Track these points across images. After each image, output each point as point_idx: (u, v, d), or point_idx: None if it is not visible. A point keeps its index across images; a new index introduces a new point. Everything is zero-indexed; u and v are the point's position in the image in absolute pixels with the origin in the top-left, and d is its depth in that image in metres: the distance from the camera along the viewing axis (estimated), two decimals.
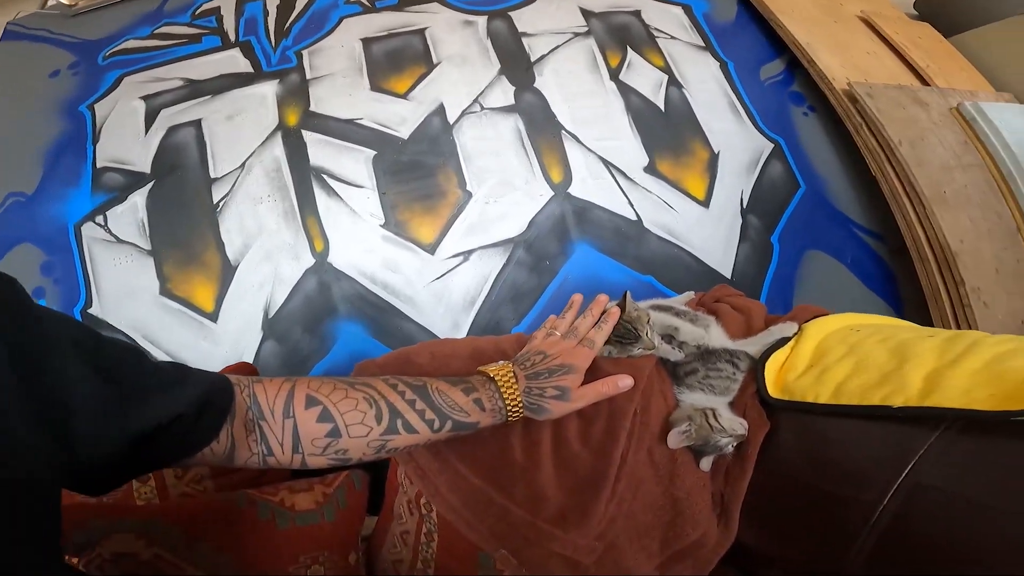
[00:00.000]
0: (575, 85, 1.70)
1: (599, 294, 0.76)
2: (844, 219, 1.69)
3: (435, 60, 1.72)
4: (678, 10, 1.88)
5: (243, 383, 0.55)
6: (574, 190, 1.58)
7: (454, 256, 1.52)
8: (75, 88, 1.74)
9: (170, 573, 0.63)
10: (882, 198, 1.63)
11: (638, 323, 0.72)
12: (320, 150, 1.62)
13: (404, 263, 1.50)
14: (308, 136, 1.62)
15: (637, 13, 1.84)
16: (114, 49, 1.82)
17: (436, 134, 1.63)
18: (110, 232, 1.52)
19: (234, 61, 1.74)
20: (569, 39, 1.77)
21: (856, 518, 0.54)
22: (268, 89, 1.69)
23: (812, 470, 0.61)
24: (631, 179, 1.61)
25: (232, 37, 1.81)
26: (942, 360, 0.59)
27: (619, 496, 0.66)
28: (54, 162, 1.61)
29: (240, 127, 1.64)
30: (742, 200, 1.62)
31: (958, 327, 1.49)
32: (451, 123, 1.64)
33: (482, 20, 1.78)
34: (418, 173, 1.59)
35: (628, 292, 0.73)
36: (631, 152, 1.64)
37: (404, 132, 1.63)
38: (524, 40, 1.76)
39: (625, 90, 1.71)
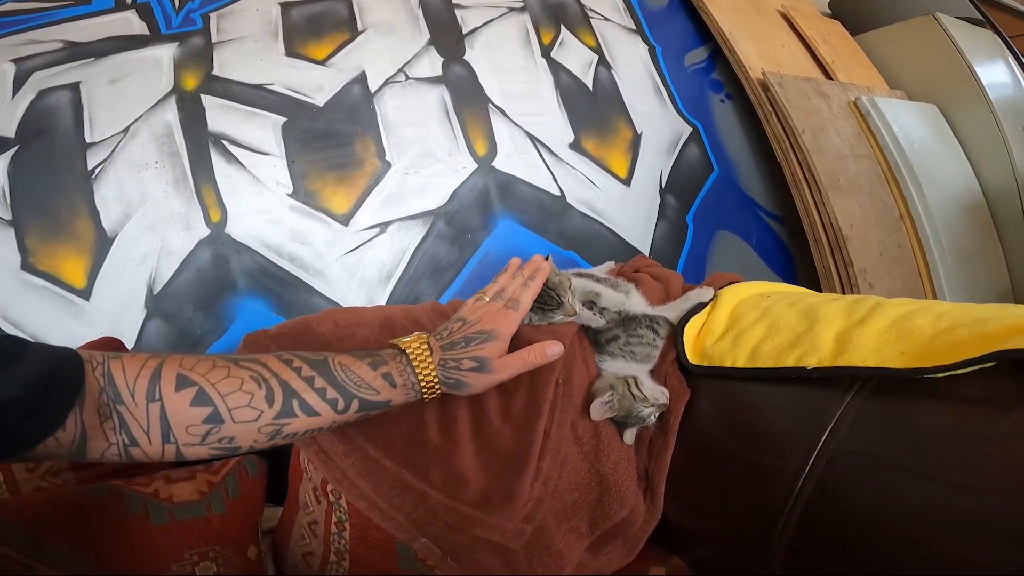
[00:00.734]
0: (506, 60, 1.65)
1: (535, 255, 0.71)
2: (751, 202, 1.79)
3: (360, 27, 1.60)
4: None
5: (96, 359, 0.45)
6: (499, 164, 1.53)
7: (369, 228, 1.42)
8: None
9: (20, 573, 0.52)
10: (784, 183, 1.74)
11: (560, 289, 0.68)
12: (221, 115, 1.44)
13: (314, 235, 1.38)
14: (208, 101, 1.44)
15: None
16: None
17: (355, 103, 1.51)
18: None
19: (127, 23, 1.51)
20: (504, 13, 1.72)
21: (780, 488, 0.53)
22: (164, 52, 1.49)
23: (733, 439, 0.61)
24: (556, 155, 1.59)
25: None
26: (850, 320, 0.60)
27: (544, 475, 0.62)
28: None
29: (125, 91, 1.43)
30: (661, 180, 1.66)
31: None
32: (372, 92, 1.53)
33: None
34: (333, 141, 1.47)
35: (550, 255, 0.69)
36: (557, 128, 1.62)
37: (320, 99, 1.50)
38: (457, 12, 1.68)
39: (555, 67, 1.69)
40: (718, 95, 1.87)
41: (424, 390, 0.56)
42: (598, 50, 1.76)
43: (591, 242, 1.53)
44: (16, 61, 1.42)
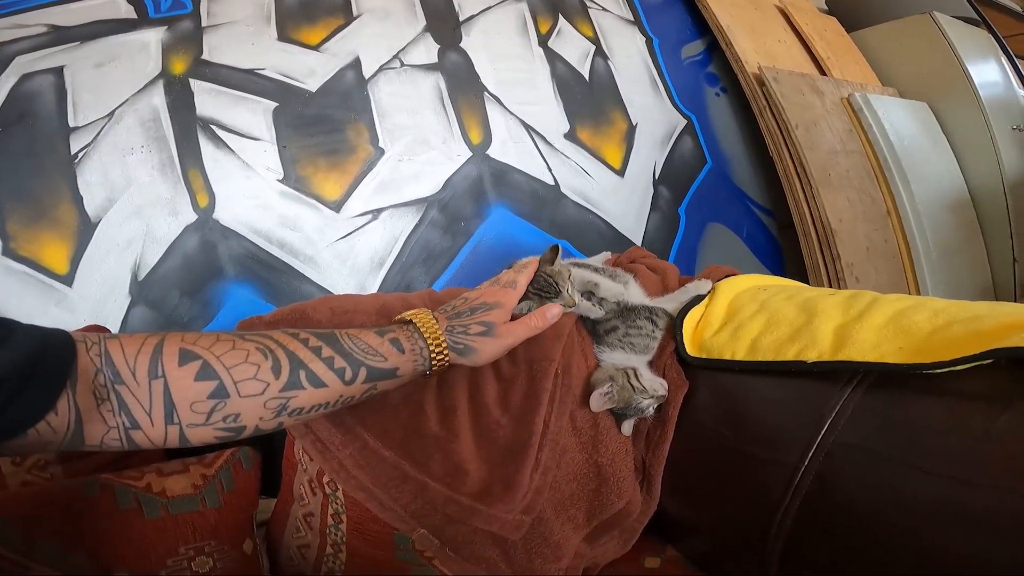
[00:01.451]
0: (502, 48, 1.63)
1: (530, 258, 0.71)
2: (742, 195, 1.80)
3: (355, 12, 1.56)
4: None
5: (91, 340, 0.43)
6: (493, 152, 1.51)
7: (362, 215, 1.39)
8: None
9: (14, 572, 0.51)
10: (775, 177, 1.75)
11: (559, 278, 0.67)
12: (210, 100, 1.40)
13: (304, 221, 1.35)
14: (197, 85, 1.40)
15: None
16: None
17: (349, 88, 1.48)
18: None
19: (114, 7, 1.45)
20: (501, 1, 1.69)
21: (779, 481, 0.53)
22: (152, 36, 1.43)
23: (731, 431, 0.61)
24: (551, 144, 1.57)
25: None
26: (847, 315, 0.61)
27: (543, 466, 0.61)
28: None
29: (110, 75, 1.38)
30: (655, 171, 1.66)
31: None
32: (367, 78, 1.49)
33: None
34: (325, 127, 1.44)
35: (558, 246, 0.68)
36: (553, 118, 1.60)
37: (312, 85, 1.46)
38: None
39: (552, 57, 1.67)
40: (713, 88, 1.87)
41: (434, 356, 0.55)
42: (595, 40, 1.74)
43: (584, 232, 1.52)
44: None
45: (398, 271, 1.38)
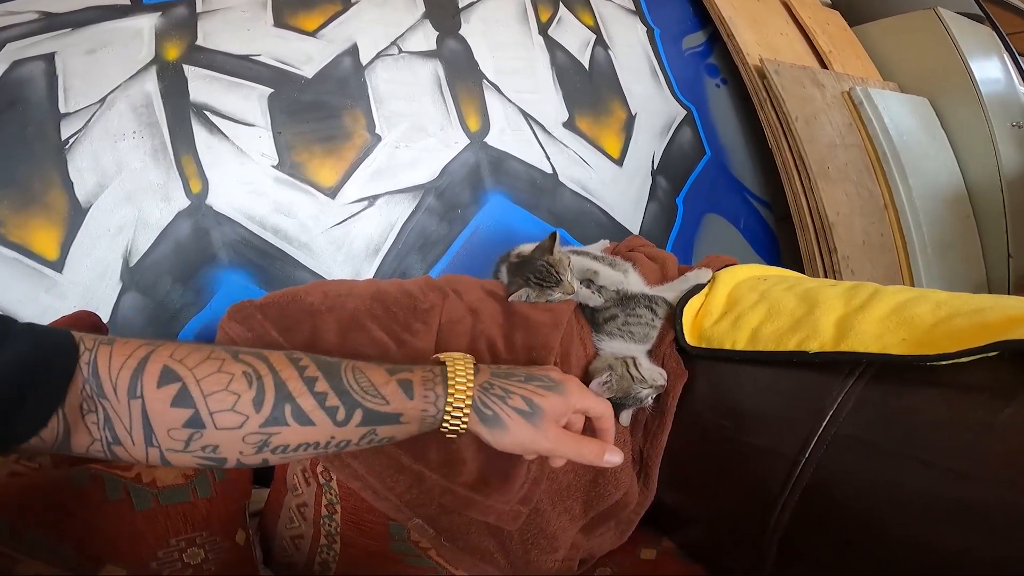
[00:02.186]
0: (502, 36, 1.60)
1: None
2: (740, 187, 1.78)
3: None
4: None
5: (85, 344, 0.40)
6: (491, 140, 1.49)
7: (357, 201, 1.37)
8: None
9: (2, 565, 0.49)
10: (774, 169, 1.73)
11: (559, 266, 0.66)
12: (204, 86, 1.37)
13: (299, 207, 1.32)
14: (190, 71, 1.36)
15: None
16: None
17: (345, 75, 1.46)
18: None
19: None
20: None
21: (778, 473, 0.52)
22: (145, 22, 1.40)
23: (730, 421, 0.60)
24: (550, 133, 1.55)
25: None
26: (849, 306, 0.60)
27: (540, 456, 0.61)
28: None
29: (102, 61, 1.35)
30: (653, 161, 1.64)
31: None
32: (364, 64, 1.47)
33: None
34: (321, 114, 1.41)
35: (557, 233, 0.67)
36: (552, 107, 1.58)
37: (308, 71, 1.44)
38: None
39: (552, 45, 1.64)
40: (714, 80, 1.85)
41: (449, 412, 0.45)
42: (596, 29, 1.71)
43: (581, 220, 1.51)
44: None
45: (394, 258, 1.37)
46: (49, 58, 1.31)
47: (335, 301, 0.64)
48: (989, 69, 2.08)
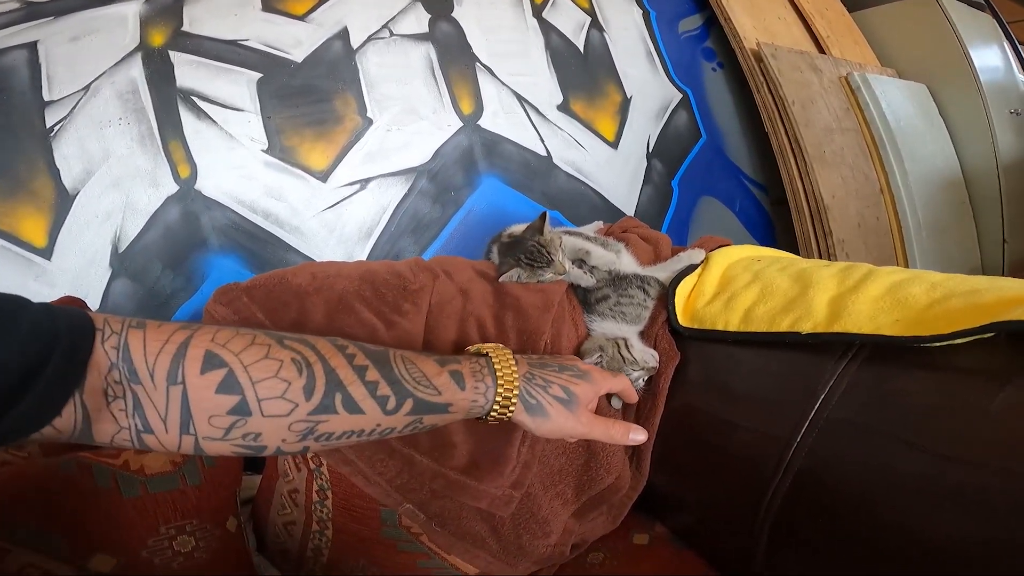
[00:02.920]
0: (496, 19, 1.56)
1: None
2: (736, 170, 1.77)
3: None
4: None
5: (111, 328, 0.37)
6: (484, 122, 1.47)
7: (349, 184, 1.35)
8: None
9: None
10: (770, 153, 1.72)
11: (550, 246, 0.65)
12: (191, 72, 1.35)
13: (290, 191, 1.31)
14: (177, 57, 1.34)
15: None
16: None
17: (336, 59, 1.43)
18: None
19: None
20: None
21: (769, 456, 0.51)
22: (130, 9, 1.37)
23: (723, 404, 0.59)
24: (544, 116, 1.53)
25: None
26: (843, 286, 0.58)
27: (531, 439, 0.60)
28: None
29: (87, 48, 1.32)
30: (648, 144, 1.62)
31: None
32: (355, 48, 1.44)
33: None
34: (311, 98, 1.39)
35: (546, 213, 0.66)
36: (546, 89, 1.55)
37: (298, 55, 1.41)
38: None
39: (547, 28, 1.61)
40: (710, 63, 1.83)
41: (499, 402, 0.46)
42: (591, 12, 1.68)
43: (576, 202, 1.49)
44: None
45: (387, 240, 1.36)
46: (32, 47, 1.29)
47: (323, 282, 0.63)
48: (988, 57, 2.06)
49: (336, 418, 0.41)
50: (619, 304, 0.65)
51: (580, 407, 0.49)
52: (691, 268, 0.70)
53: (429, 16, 1.52)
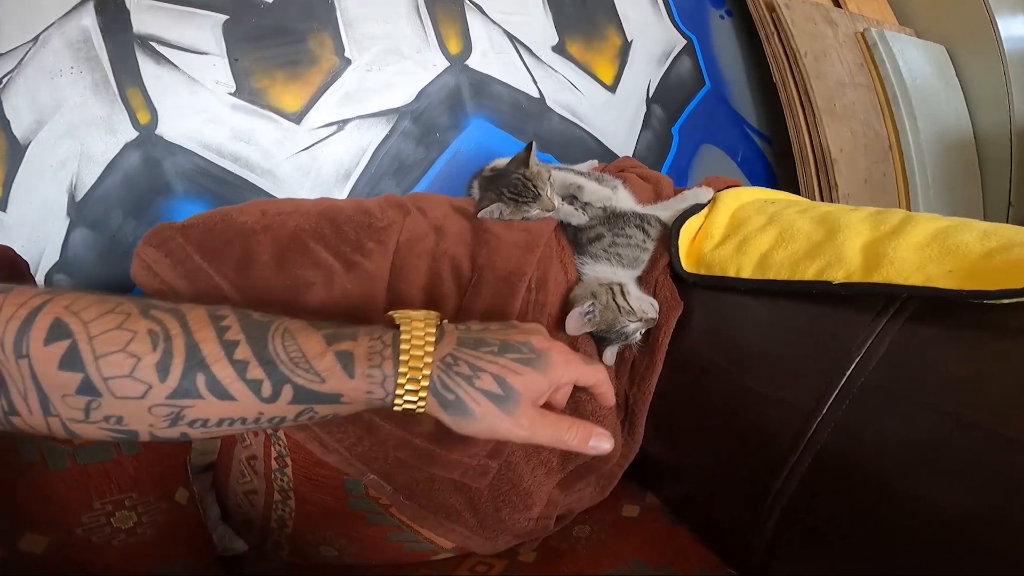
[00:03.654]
0: None
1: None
2: (740, 120, 1.68)
3: None
4: None
5: None
6: (473, 63, 1.34)
7: (326, 126, 1.25)
8: None
9: None
10: (776, 105, 1.61)
11: (537, 179, 0.54)
12: (148, 17, 1.24)
13: (261, 134, 1.22)
14: (133, 3, 1.22)
15: None
16: None
17: None
18: None
19: None
20: None
21: (787, 428, 0.42)
22: None
23: (732, 363, 0.49)
24: (537, 57, 1.40)
25: None
26: (878, 231, 0.48)
27: None
28: None
29: (32, 1, 1.21)
30: (649, 89, 1.51)
31: None
32: None
33: None
34: (284, 39, 1.26)
35: (533, 143, 0.55)
36: (540, 30, 1.42)
37: None
38: None
39: None
40: (718, 11, 1.70)
41: (400, 395, 0.34)
42: None
43: (570, 146, 1.40)
44: None
45: (366, 182, 1.27)
46: None
47: (273, 220, 0.53)
48: (1015, 26, 1.95)
49: (203, 403, 0.32)
50: (615, 245, 0.55)
51: (520, 404, 0.35)
52: (697, 208, 0.59)
53: None
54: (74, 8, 1.19)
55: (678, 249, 0.54)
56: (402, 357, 0.34)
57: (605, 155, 1.41)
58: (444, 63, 1.33)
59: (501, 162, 0.60)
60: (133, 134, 1.15)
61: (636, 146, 1.47)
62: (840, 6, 1.89)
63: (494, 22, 1.41)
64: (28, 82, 1.14)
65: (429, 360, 0.35)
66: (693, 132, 1.55)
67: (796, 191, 1.59)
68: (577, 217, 0.57)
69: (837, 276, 0.45)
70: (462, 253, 0.52)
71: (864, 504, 0.38)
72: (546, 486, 0.53)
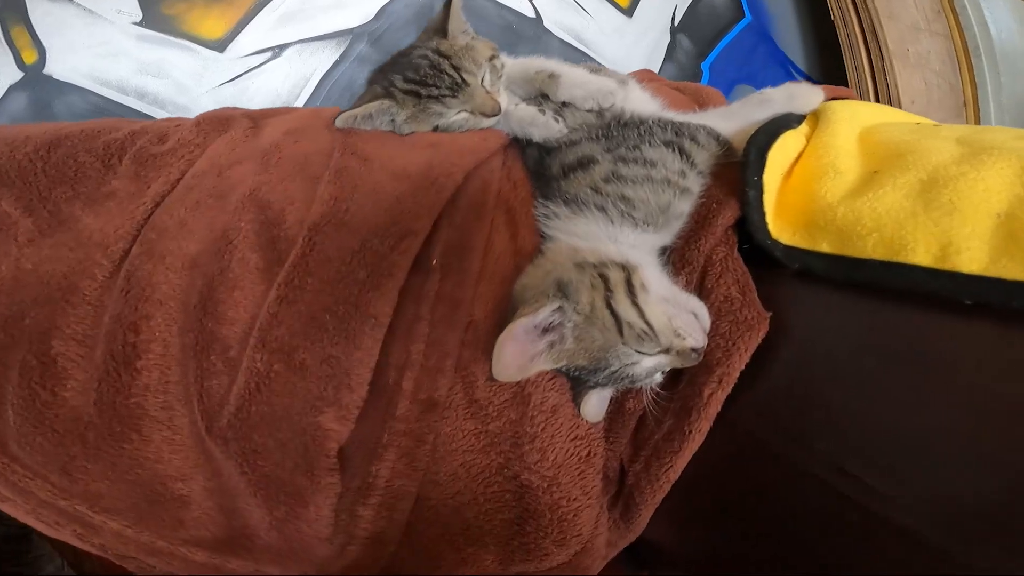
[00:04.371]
0: None
1: None
2: (785, 59, 1.42)
3: None
4: None
5: None
6: None
7: (257, 53, 1.06)
8: None
9: None
10: (833, 46, 1.37)
11: (463, 57, 0.26)
12: None
13: (174, 65, 1.05)
14: None
15: None
16: None
17: None
18: None
19: None
20: None
21: None
22: None
23: (885, 476, 0.20)
24: None
25: None
26: None
27: (395, 471, 0.24)
28: None
29: None
30: (674, 17, 1.27)
31: None
32: None
33: None
34: None
35: None
36: None
37: None
38: None
39: None
40: None
41: None
42: None
43: None
44: None
45: None
46: None
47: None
48: None
49: None
50: (618, 179, 0.24)
51: None
52: (790, 120, 0.28)
53: None
54: None
55: (761, 194, 0.24)
56: None
57: None
58: None
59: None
60: (19, 75, 1.01)
61: None
62: None
63: None
64: None
65: None
66: (727, 70, 1.30)
67: None
68: (544, 125, 0.27)
69: None
70: (296, 193, 0.25)
71: None
72: None
